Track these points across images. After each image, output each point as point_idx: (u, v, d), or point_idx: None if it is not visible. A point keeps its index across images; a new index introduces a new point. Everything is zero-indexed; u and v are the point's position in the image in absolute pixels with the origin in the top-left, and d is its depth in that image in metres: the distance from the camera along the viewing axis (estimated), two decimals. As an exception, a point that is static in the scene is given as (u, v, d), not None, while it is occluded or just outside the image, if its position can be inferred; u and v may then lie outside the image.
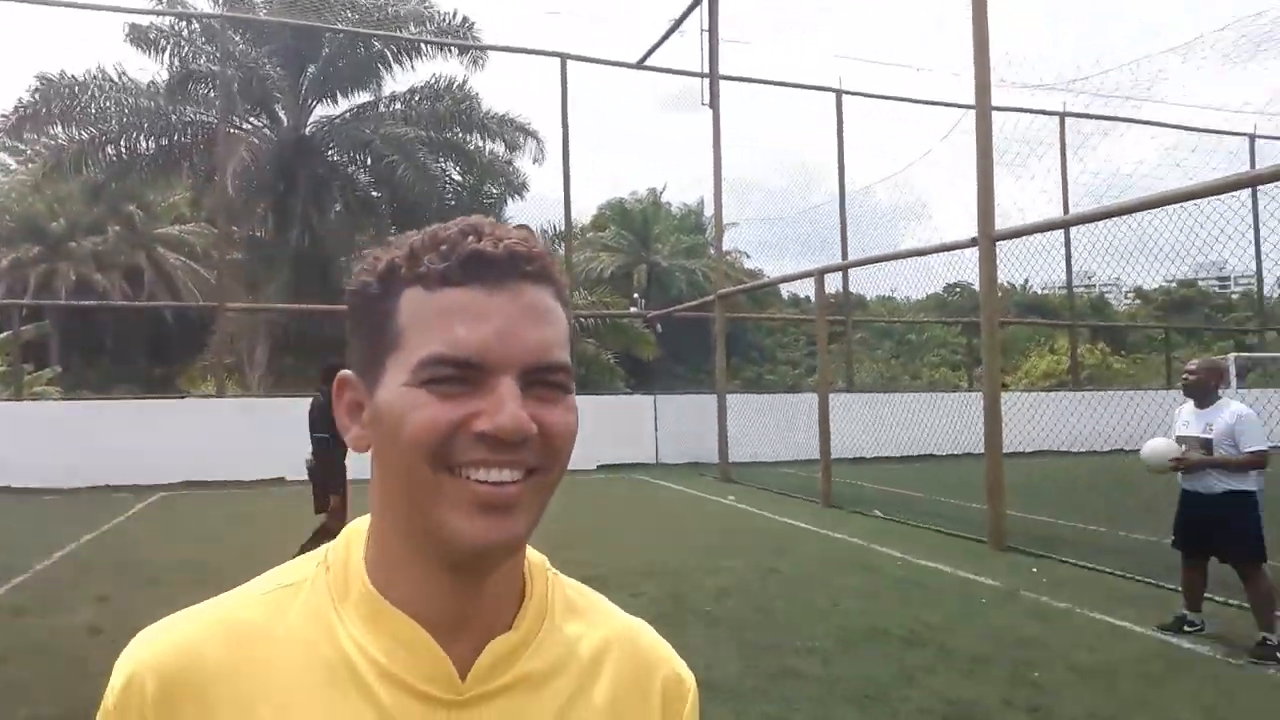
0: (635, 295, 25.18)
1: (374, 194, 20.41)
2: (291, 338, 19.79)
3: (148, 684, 0.62)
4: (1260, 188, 9.21)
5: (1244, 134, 21.76)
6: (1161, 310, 33.31)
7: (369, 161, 19.72)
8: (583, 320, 20.37)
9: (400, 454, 0.61)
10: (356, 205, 20.80)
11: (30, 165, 23.28)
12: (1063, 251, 20.31)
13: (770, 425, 14.88)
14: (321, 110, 20.59)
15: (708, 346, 15.51)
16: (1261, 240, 19.90)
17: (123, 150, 18.70)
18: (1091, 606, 6.17)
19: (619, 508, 11.17)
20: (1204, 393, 5.46)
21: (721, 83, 16.18)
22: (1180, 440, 5.51)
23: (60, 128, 18.38)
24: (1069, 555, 7.77)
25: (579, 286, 26.09)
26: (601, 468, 15.14)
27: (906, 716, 4.24)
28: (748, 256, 33.85)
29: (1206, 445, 5.35)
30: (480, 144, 20.87)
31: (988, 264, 8.56)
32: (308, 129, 20.50)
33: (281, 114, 20.28)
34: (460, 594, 0.65)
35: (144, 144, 18.77)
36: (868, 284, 24.55)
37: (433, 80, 19.97)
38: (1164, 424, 6.30)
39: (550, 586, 0.73)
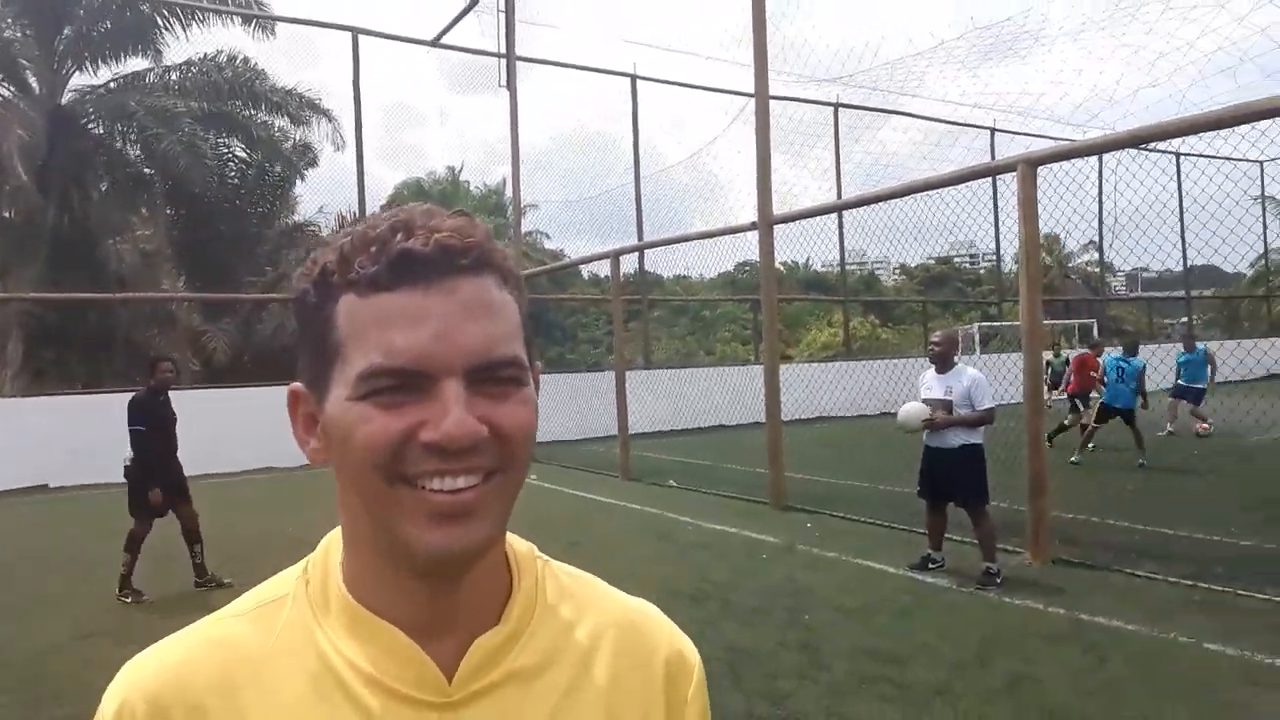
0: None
1: (146, 171, 18.72)
2: (51, 330, 17.88)
3: (138, 709, 0.62)
4: (999, 176, 10.49)
5: (986, 128, 24.40)
6: (922, 285, 36.77)
7: (135, 135, 18.06)
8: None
9: (353, 469, 0.60)
10: (127, 183, 18.99)
11: None
12: (837, 233, 21.90)
13: (572, 404, 15.22)
14: (82, 79, 18.61)
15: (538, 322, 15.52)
16: (1000, 221, 22.53)
17: None
18: (856, 554, 6.94)
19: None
20: (945, 360, 6.26)
21: (521, 64, 16.23)
22: (926, 402, 6.29)
23: None
24: (840, 510, 8.63)
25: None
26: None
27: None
28: (548, 237, 34.08)
29: (947, 406, 6.14)
30: (267, 120, 19.68)
31: (766, 246, 9.25)
32: (64, 99, 18.45)
33: (33, 82, 18.12)
34: (436, 598, 0.64)
35: None
36: (664, 263, 25.46)
37: (215, 52, 18.58)
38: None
39: (541, 576, 0.72)
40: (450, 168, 35.00)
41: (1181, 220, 23.55)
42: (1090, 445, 11.46)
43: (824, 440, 13.48)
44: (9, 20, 16.88)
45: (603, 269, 15.92)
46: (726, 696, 4.11)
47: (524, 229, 34.64)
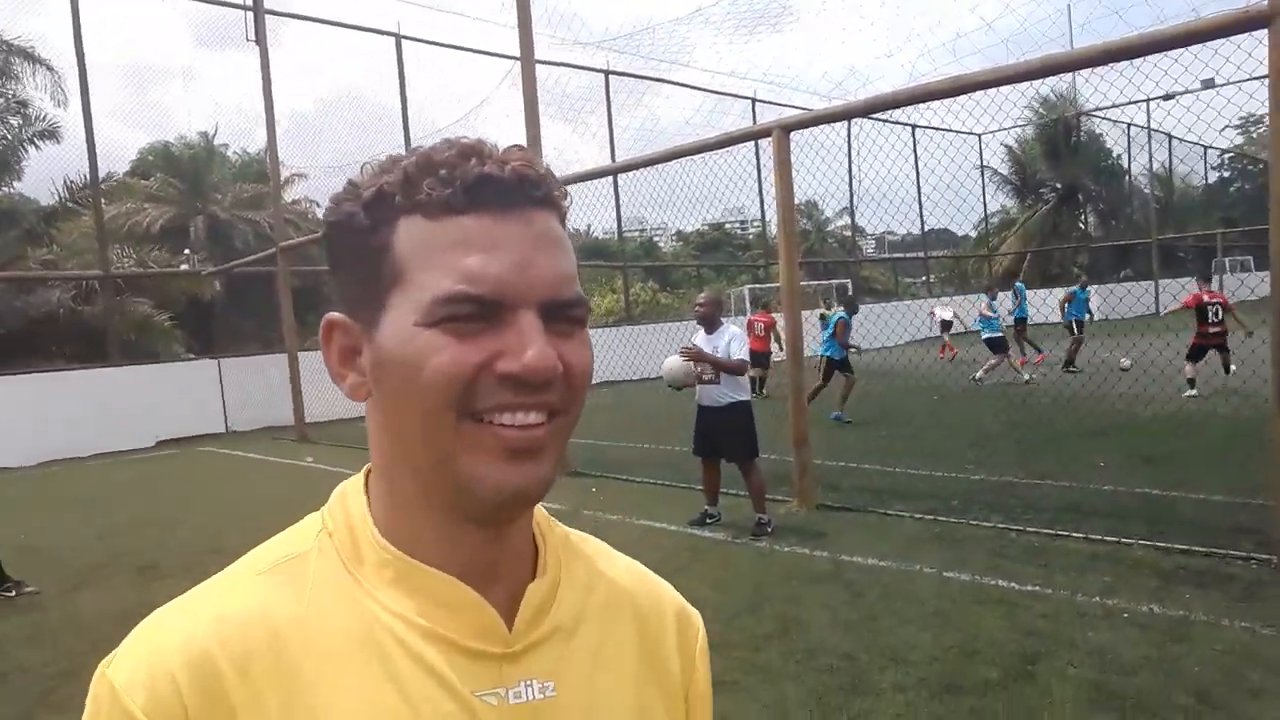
0: (187, 251, 22.53)
1: None
2: None
3: (179, 678, 0.54)
4: (760, 143, 11.00)
5: (748, 98, 25.59)
6: (698, 250, 38.21)
7: None
8: (126, 280, 17.81)
9: (419, 401, 0.56)
10: None
11: None
12: (614, 200, 22.19)
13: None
14: None
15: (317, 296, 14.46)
16: (764, 188, 23.77)
17: None
18: (639, 515, 7.11)
19: (181, 486, 10.17)
20: (709, 321, 6.49)
21: (275, 20, 15.01)
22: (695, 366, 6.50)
23: None
24: (623, 474, 8.82)
25: (121, 243, 22.70)
26: (161, 443, 13.58)
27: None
28: (319, 205, 32.04)
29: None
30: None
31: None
32: None
33: None
34: (489, 544, 0.61)
35: None
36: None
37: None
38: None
39: (555, 532, 0.70)
40: (203, 132, 31.90)
41: (919, 187, 25.93)
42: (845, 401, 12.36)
43: (609, 405, 13.70)
44: None
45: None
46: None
47: (293, 197, 32.57)
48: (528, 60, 9.41)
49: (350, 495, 0.65)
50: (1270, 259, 4.71)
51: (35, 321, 16.45)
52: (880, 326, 13.89)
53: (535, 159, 0.60)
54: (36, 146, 18.02)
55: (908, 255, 34.11)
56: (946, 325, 20.66)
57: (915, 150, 27.58)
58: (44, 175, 19.20)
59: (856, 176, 25.83)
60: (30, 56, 16.66)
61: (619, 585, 0.72)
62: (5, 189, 18.14)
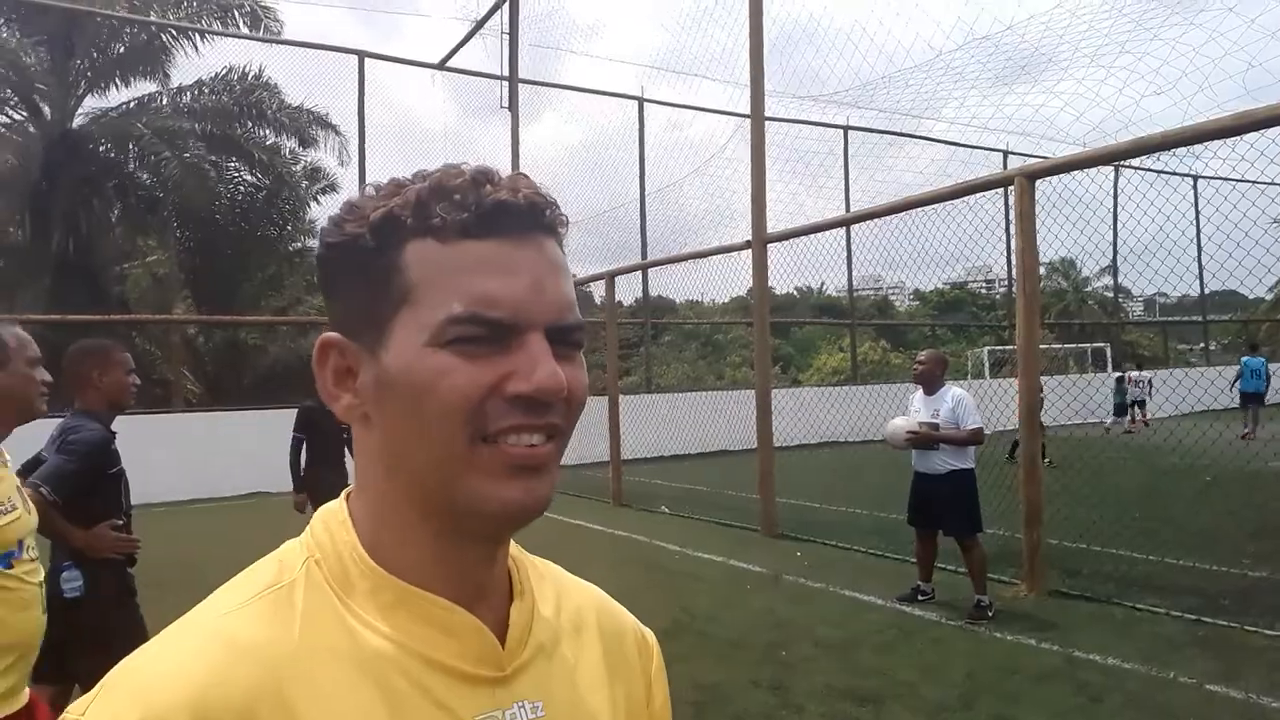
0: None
1: (159, 195, 18.73)
2: (56, 352, 17.90)
3: None
4: (1011, 198, 10.26)
5: (999, 150, 24.15)
6: (936, 310, 36.42)
7: (144, 158, 18.12)
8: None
9: (428, 422, 0.56)
10: (136, 206, 19.04)
11: None
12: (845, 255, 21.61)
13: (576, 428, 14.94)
14: (93, 102, 18.73)
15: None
16: (1012, 244, 22.24)
17: None
18: (844, 584, 6.63)
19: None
20: (930, 380, 6.00)
21: (537, 89, 16.24)
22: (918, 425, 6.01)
23: None
24: (833, 539, 8.32)
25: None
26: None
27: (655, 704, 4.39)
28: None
29: (934, 428, 5.88)
30: (278, 141, 19.72)
31: (759, 265, 9.02)
32: (75, 122, 18.58)
33: (44, 106, 18.28)
34: (481, 564, 0.62)
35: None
36: (676, 287, 25.27)
37: (224, 70, 18.67)
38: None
39: (524, 554, 0.72)
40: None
41: (1199, 245, 23.10)
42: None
43: (825, 466, 13.15)
44: (28, 47, 17.03)
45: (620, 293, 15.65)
46: (682, 739, 3.83)
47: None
48: (757, 118, 9.37)
49: (333, 521, 0.63)
50: None
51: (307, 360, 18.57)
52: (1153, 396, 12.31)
53: (543, 186, 0.61)
54: (318, 202, 20.50)
55: (1184, 320, 30.36)
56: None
57: (1196, 203, 24.67)
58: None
59: (1123, 232, 23.48)
60: (323, 122, 19.05)
61: (581, 605, 0.72)
62: (295, 244, 20.72)
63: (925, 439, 5.80)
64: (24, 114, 18.41)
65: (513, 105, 15.59)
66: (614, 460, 11.60)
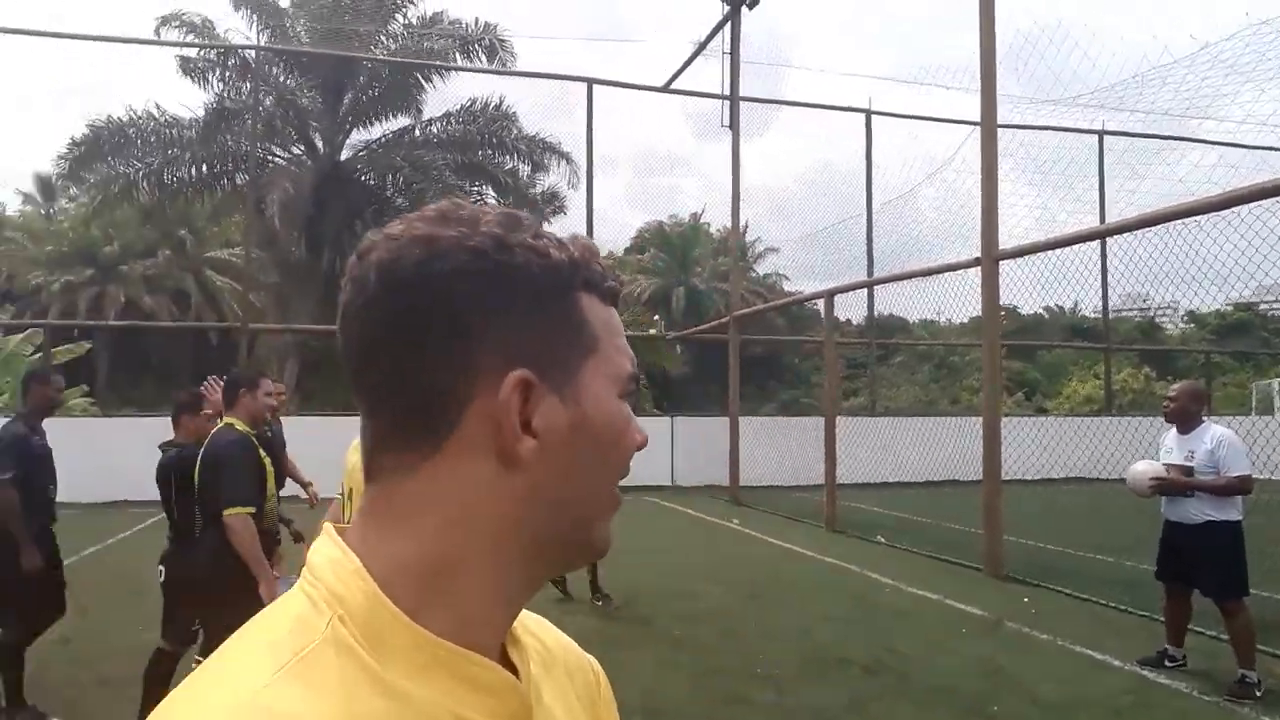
0: (655, 316, 25.16)
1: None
2: (319, 358, 20.21)
3: None
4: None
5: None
6: (1214, 334, 32.26)
7: (401, 185, 20.11)
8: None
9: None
10: (393, 230, 21.21)
11: (87, 195, 24.18)
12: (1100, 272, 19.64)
13: (791, 448, 14.67)
14: (357, 135, 21.12)
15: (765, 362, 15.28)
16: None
17: (165, 179, 19.44)
18: (1076, 639, 5.95)
19: (620, 528, 11.11)
20: (1185, 418, 5.27)
21: (766, 107, 16.27)
22: (1166, 469, 5.31)
23: (111, 161, 19.27)
24: (1067, 586, 7.51)
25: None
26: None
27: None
28: (788, 279, 33.60)
29: (1188, 473, 5.15)
30: (515, 166, 21.16)
31: (990, 283, 8.39)
32: (343, 155, 21.02)
33: (318, 141, 20.83)
34: (517, 611, 0.62)
35: (187, 173, 19.50)
36: (909, 306, 24.10)
37: (468, 102, 20.34)
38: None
39: None
40: (694, 212, 35.59)
41: None
42: None
43: (1066, 504, 11.97)
44: (305, 90, 19.49)
45: (847, 311, 15.10)
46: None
47: (764, 271, 34.74)
48: (989, 126, 8.77)
49: (344, 571, 0.56)
50: None
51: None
52: None
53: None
54: (549, 222, 21.67)
55: None
56: None
57: None
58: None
59: None
60: (555, 150, 20.14)
61: (544, 641, 0.70)
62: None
63: (1175, 486, 5.08)
64: (301, 149, 21.00)
65: (734, 123, 15.61)
66: (829, 483, 11.22)
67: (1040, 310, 33.82)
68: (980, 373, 28.07)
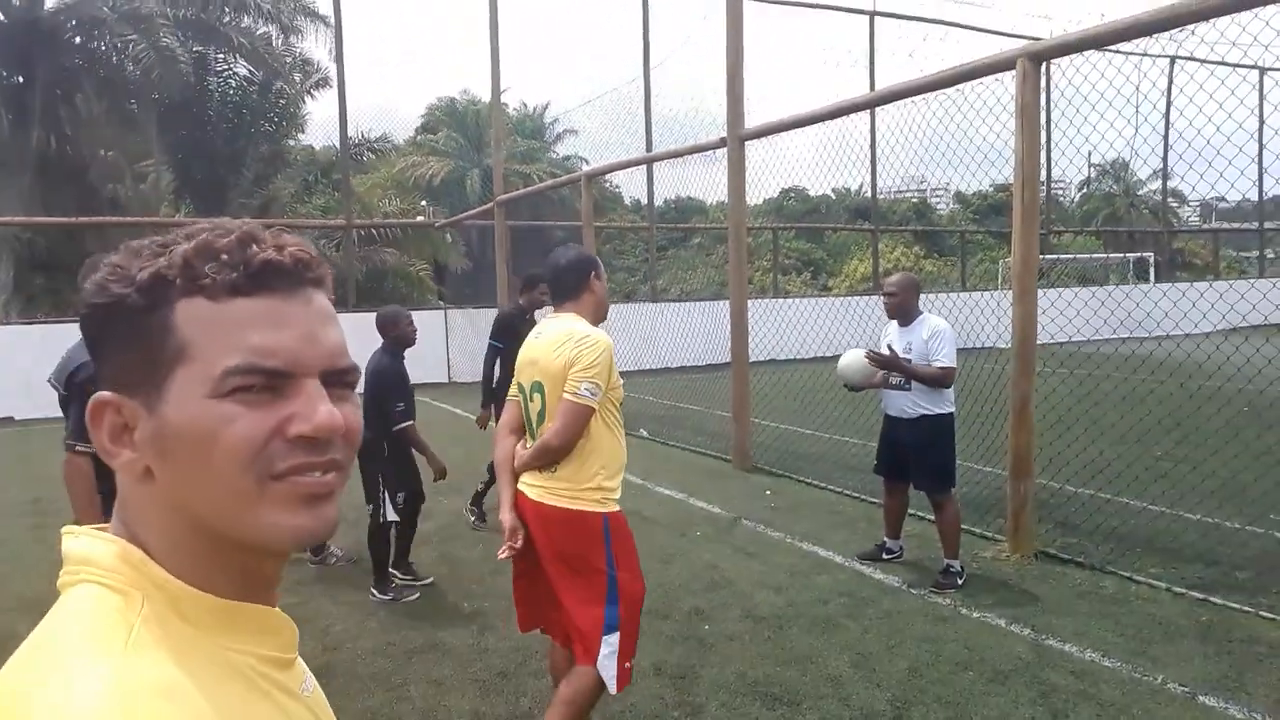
0: (423, 203, 23.68)
1: (151, 95, 17.72)
2: (40, 256, 17.44)
3: None
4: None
5: (1020, 35, 22.06)
6: (977, 214, 34.55)
7: (117, 46, 17.12)
8: (377, 231, 18.90)
9: (216, 468, 0.60)
10: (120, 100, 18.14)
11: None
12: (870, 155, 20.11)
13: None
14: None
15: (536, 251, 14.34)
16: (1052, 145, 20.53)
17: None
18: (805, 535, 5.87)
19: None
20: (904, 311, 5.08)
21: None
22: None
23: None
24: (809, 475, 7.53)
25: (405, 194, 24.46)
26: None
27: (534, 690, 3.72)
28: (586, 162, 32.49)
29: (902, 364, 4.99)
30: (266, 30, 18.61)
31: (736, 164, 7.95)
32: (46, 7, 17.59)
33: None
34: (276, 570, 0.68)
35: None
36: (708, 189, 23.77)
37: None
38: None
39: None
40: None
41: (1260, 143, 21.13)
42: None
43: (826, 385, 12.27)
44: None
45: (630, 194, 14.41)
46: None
47: (563, 153, 33.46)
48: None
49: (133, 558, 0.62)
50: None
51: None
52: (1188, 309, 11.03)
53: (306, 243, 0.65)
54: (313, 97, 19.48)
55: (1238, 227, 28.26)
56: None
57: (1261, 97, 22.51)
58: (318, 125, 20.88)
59: (1182, 124, 21.51)
60: (309, 11, 17.86)
61: None
62: (290, 140, 19.84)
63: (888, 363, 4.92)
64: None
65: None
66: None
67: (829, 192, 34.98)
68: (772, 253, 28.56)
